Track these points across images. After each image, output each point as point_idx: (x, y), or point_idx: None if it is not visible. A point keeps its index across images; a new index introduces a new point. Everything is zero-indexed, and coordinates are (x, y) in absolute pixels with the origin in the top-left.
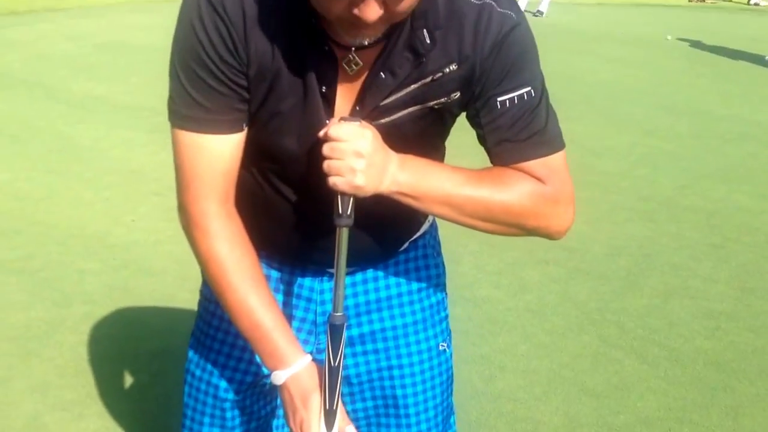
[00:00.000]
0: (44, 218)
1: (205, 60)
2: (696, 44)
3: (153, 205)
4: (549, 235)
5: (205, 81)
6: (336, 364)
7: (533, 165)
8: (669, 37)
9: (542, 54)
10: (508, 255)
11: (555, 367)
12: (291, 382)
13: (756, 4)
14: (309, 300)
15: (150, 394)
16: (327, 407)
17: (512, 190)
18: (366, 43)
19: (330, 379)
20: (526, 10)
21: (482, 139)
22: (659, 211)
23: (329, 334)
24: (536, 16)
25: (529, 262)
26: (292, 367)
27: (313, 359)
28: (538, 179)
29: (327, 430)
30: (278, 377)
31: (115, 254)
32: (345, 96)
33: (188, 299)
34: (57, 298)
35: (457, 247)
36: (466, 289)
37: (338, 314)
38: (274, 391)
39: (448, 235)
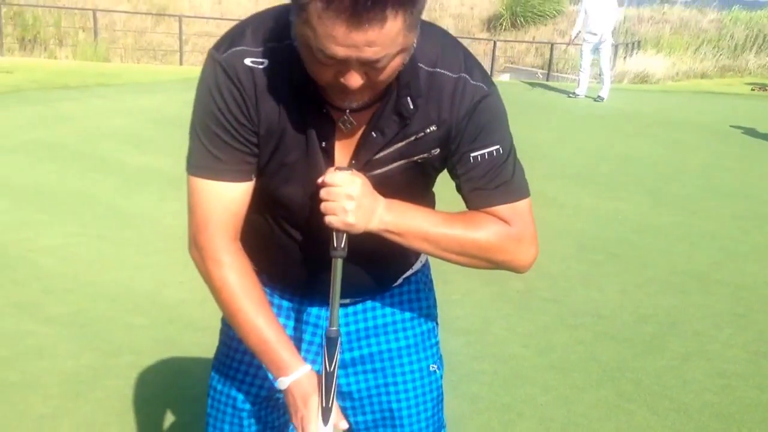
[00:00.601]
0: (94, 279)
1: (222, 120)
2: (752, 132)
3: None
4: (515, 269)
5: (221, 137)
6: (331, 369)
7: (500, 209)
8: None
9: (600, 137)
10: (539, 319)
11: (571, 416)
12: (293, 386)
13: None
14: (315, 326)
15: (188, 426)
16: (324, 405)
17: (481, 230)
18: (354, 106)
19: (326, 381)
20: (586, 96)
21: (459, 188)
22: (690, 283)
23: (325, 344)
24: (597, 101)
25: (560, 326)
26: (294, 374)
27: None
28: (505, 221)
29: (324, 423)
30: (283, 383)
31: (162, 311)
32: (342, 150)
33: None
34: (106, 348)
35: (489, 311)
36: (496, 347)
37: (333, 329)
38: (286, 405)
39: (483, 300)
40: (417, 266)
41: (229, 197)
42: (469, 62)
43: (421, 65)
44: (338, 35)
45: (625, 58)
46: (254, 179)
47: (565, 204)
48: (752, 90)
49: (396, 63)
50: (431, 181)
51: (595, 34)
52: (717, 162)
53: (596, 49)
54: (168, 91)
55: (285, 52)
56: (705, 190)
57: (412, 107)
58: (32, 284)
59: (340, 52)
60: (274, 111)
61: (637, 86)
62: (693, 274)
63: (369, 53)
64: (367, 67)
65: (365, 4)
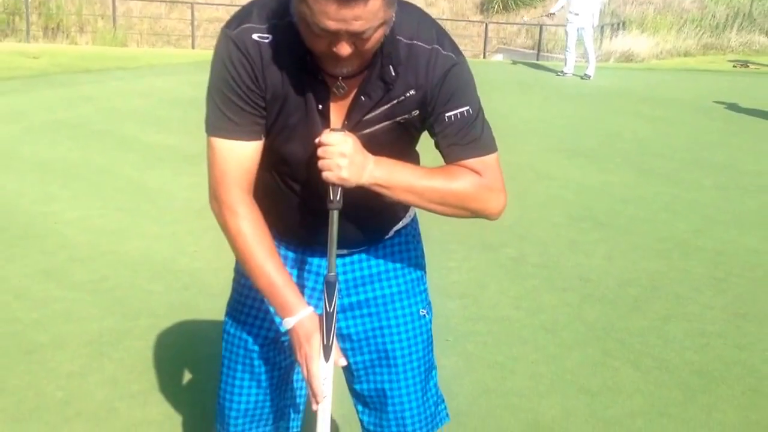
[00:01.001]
0: (115, 248)
1: (234, 87)
2: (734, 107)
3: (213, 238)
4: (488, 215)
5: (234, 102)
6: (331, 310)
7: (473, 162)
8: None
9: (587, 113)
10: (529, 283)
11: (559, 372)
12: (297, 326)
13: None
14: (317, 274)
15: (205, 388)
16: (325, 343)
17: (458, 181)
18: (345, 72)
19: (327, 322)
20: (574, 74)
21: (437, 145)
22: (672, 250)
23: (325, 288)
24: (584, 79)
25: (549, 289)
26: (298, 315)
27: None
28: (477, 173)
29: (325, 359)
30: (288, 323)
31: (178, 278)
32: (336, 112)
33: None
34: (126, 312)
35: (484, 277)
36: (490, 309)
37: (332, 274)
38: (291, 348)
39: (477, 267)
40: (406, 220)
41: (243, 154)
42: (441, 35)
43: (400, 38)
44: (330, 11)
45: (611, 38)
46: (263, 139)
47: (554, 176)
48: (734, 66)
49: (378, 34)
50: (414, 140)
51: (577, 15)
52: (700, 136)
53: (581, 30)
54: (182, 73)
55: (286, 28)
56: (688, 162)
57: (393, 74)
58: (58, 253)
59: (332, 25)
60: (278, 78)
61: (623, 65)
62: (675, 241)
63: (356, 26)
64: (355, 37)
65: None
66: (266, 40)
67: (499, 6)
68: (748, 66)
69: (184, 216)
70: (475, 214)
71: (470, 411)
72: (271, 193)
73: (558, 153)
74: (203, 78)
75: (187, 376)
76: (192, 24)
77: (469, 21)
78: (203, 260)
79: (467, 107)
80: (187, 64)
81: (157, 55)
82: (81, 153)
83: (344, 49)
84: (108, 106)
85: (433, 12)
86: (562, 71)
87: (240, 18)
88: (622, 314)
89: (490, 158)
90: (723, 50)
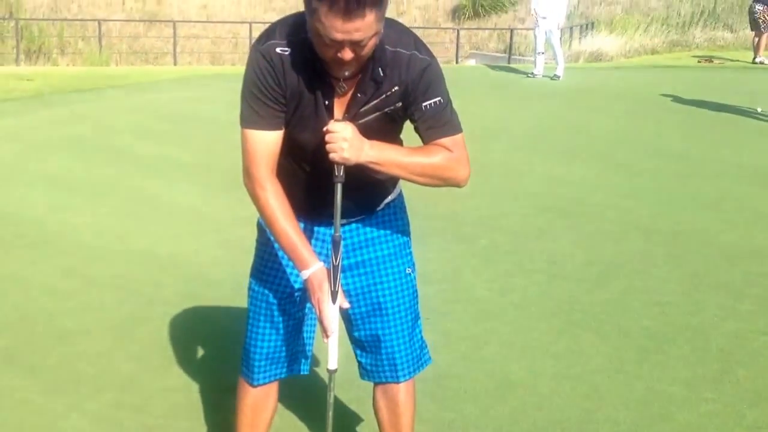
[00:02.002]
0: (125, 248)
1: (262, 88)
2: (698, 100)
3: (212, 237)
4: (457, 183)
5: (262, 100)
6: (337, 263)
7: (444, 141)
8: (759, 109)
9: (556, 111)
10: (501, 267)
11: (528, 341)
12: (312, 276)
13: (761, 63)
14: (323, 241)
15: (215, 360)
16: (332, 289)
17: (434, 156)
18: (346, 74)
19: (333, 272)
20: (544, 75)
21: (416, 129)
22: (632, 232)
23: (332, 245)
24: (553, 79)
25: (519, 271)
26: (312, 267)
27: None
28: (448, 149)
29: (332, 301)
30: (304, 274)
31: (184, 271)
32: (339, 107)
33: (239, 301)
34: (141, 302)
35: (459, 264)
36: (465, 292)
37: (337, 234)
38: (303, 302)
39: (454, 256)
40: (395, 194)
41: (269, 141)
42: (417, 43)
43: (386, 47)
44: (337, 26)
45: (580, 39)
46: (283, 129)
47: (524, 171)
48: (699, 62)
49: (372, 42)
50: (399, 127)
51: (544, 18)
52: (662, 128)
53: (548, 32)
54: (168, 89)
55: (301, 43)
56: (650, 153)
57: (382, 75)
58: (75, 254)
59: (338, 36)
60: (295, 81)
61: (592, 64)
62: (635, 225)
63: (356, 36)
64: (355, 45)
65: (354, 7)
66: (286, 52)
67: (470, 12)
68: (712, 61)
69: (183, 219)
70: (447, 182)
71: (449, 374)
72: (288, 175)
73: (527, 150)
74: (188, 93)
75: (199, 351)
76: (174, 41)
77: (441, 28)
78: (204, 256)
79: (439, 98)
80: (172, 80)
81: (144, 72)
82: (83, 166)
83: (347, 54)
84: (103, 123)
85: (405, 20)
86: (532, 73)
87: (266, 36)
88: (586, 290)
89: (458, 137)
90: (689, 47)
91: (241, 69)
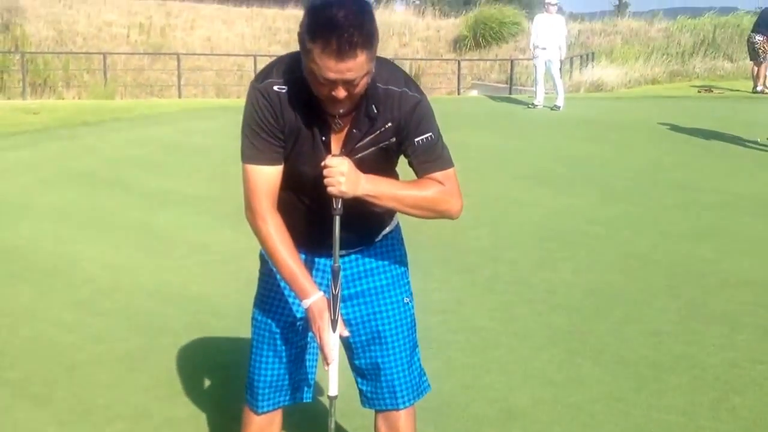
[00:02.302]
0: (133, 280)
1: (261, 125)
2: (698, 130)
3: (218, 268)
4: (451, 215)
5: (260, 135)
6: (336, 292)
7: (437, 175)
8: (759, 139)
9: (556, 142)
10: (503, 297)
11: (528, 370)
12: (312, 305)
13: (762, 92)
14: (324, 272)
15: (222, 390)
16: (332, 318)
17: (427, 190)
18: (341, 111)
19: (333, 301)
20: (544, 106)
21: (410, 163)
22: (631, 263)
23: (332, 274)
24: (554, 110)
25: (520, 301)
26: (313, 297)
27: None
28: (440, 183)
29: (333, 330)
30: (305, 303)
31: (191, 303)
32: (336, 142)
33: (244, 331)
34: (149, 333)
35: (462, 294)
36: (467, 322)
37: (336, 265)
38: (305, 331)
39: (456, 286)
40: (392, 226)
41: (269, 175)
42: (407, 81)
43: (378, 85)
44: (331, 66)
45: (580, 69)
46: (282, 164)
47: (525, 202)
48: (698, 92)
49: (364, 81)
50: (393, 161)
51: (544, 49)
52: (662, 158)
53: (548, 63)
54: (173, 121)
55: (298, 81)
56: (649, 183)
57: (375, 112)
58: (84, 286)
59: (332, 76)
60: (292, 118)
61: (592, 94)
62: (634, 255)
63: (349, 76)
64: (348, 84)
65: (346, 49)
66: (284, 90)
67: (471, 43)
68: (711, 91)
69: (189, 251)
70: (441, 214)
71: (452, 402)
72: (289, 209)
73: (528, 180)
74: (192, 125)
75: (206, 382)
76: (178, 74)
77: (443, 59)
78: (211, 287)
79: (430, 133)
80: (177, 113)
81: (148, 105)
82: (90, 199)
83: (341, 92)
84: (109, 156)
85: (407, 52)
86: (532, 104)
87: (264, 74)
88: (586, 320)
89: (449, 171)
90: (689, 76)
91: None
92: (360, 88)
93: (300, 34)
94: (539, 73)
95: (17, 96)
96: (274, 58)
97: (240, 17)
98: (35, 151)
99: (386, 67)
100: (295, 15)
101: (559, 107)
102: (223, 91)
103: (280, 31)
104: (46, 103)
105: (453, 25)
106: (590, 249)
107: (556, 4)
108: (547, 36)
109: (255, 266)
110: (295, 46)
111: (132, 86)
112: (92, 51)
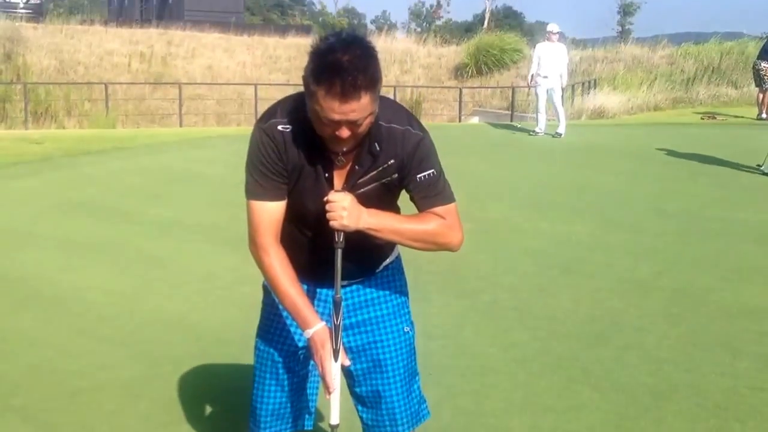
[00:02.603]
0: (135, 308)
1: (265, 163)
2: (699, 157)
3: (219, 296)
4: (451, 248)
5: (264, 173)
6: (338, 322)
7: (438, 210)
8: (762, 166)
9: (557, 169)
10: (503, 323)
11: (528, 396)
12: (314, 335)
13: (766, 119)
14: (325, 302)
15: (224, 418)
16: (334, 347)
17: (429, 223)
18: (344, 149)
19: (335, 332)
20: (546, 133)
21: (412, 199)
22: (632, 290)
23: (333, 305)
24: (555, 137)
25: (520, 328)
26: (315, 327)
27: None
28: (441, 217)
29: (334, 359)
30: (308, 333)
31: (193, 330)
32: (338, 178)
33: (246, 358)
34: (151, 360)
35: (462, 320)
36: (467, 347)
37: (338, 296)
38: (306, 360)
39: (456, 312)
40: (392, 257)
41: (272, 211)
42: (410, 119)
43: (381, 123)
44: (335, 108)
45: (582, 96)
46: (286, 199)
47: (526, 229)
48: (702, 119)
49: (368, 121)
50: (395, 197)
51: (546, 77)
52: (664, 186)
53: (550, 91)
54: (174, 150)
55: (301, 120)
56: (651, 211)
57: (378, 149)
58: (87, 314)
59: (336, 117)
60: (296, 156)
61: (594, 121)
62: (635, 283)
63: (353, 116)
64: (351, 124)
65: (350, 91)
66: (287, 129)
67: (472, 70)
68: (715, 118)
69: (191, 279)
70: (441, 247)
71: (451, 428)
72: (292, 241)
73: (529, 207)
74: (194, 154)
75: (207, 409)
76: (179, 103)
77: (444, 87)
78: (212, 315)
79: (432, 170)
80: (178, 142)
81: (149, 134)
82: (92, 228)
83: (344, 132)
84: (111, 185)
85: (409, 79)
86: (534, 131)
87: (269, 114)
88: (586, 347)
89: (450, 206)
90: (692, 103)
91: (246, 129)
92: (364, 128)
93: (304, 78)
94: (541, 101)
95: (19, 125)
96: (276, 90)
97: (241, 46)
98: (38, 180)
99: (389, 106)
100: (296, 43)
101: (560, 134)
102: (224, 120)
103: (281, 59)
104: (47, 132)
105: (454, 52)
106: (591, 276)
107: (557, 33)
108: (549, 64)
109: (257, 293)
110: (295, 74)
111: (133, 115)
112: (93, 80)
